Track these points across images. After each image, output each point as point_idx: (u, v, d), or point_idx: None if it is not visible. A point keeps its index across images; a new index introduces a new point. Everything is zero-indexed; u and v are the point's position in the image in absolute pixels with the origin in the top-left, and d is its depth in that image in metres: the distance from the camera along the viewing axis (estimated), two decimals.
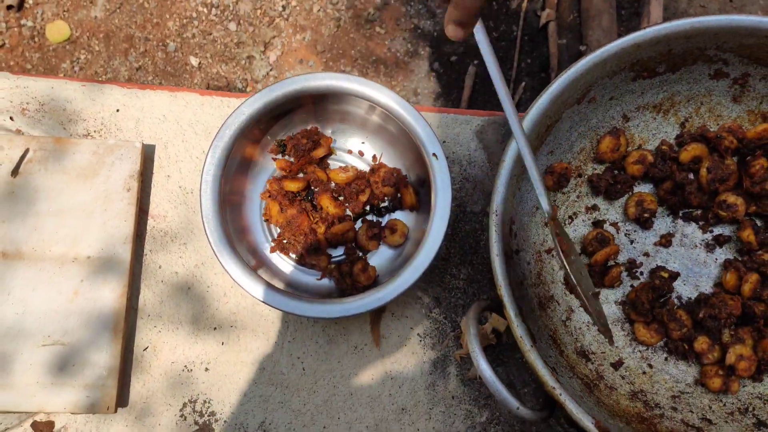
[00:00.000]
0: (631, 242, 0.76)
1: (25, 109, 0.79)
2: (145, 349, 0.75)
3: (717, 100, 0.76)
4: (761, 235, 0.72)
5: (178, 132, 0.81)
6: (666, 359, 0.71)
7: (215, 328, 0.76)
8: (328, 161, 0.79)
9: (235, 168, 0.74)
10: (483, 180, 0.81)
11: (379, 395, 0.75)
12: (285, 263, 0.76)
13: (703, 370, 0.70)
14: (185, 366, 0.75)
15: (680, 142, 0.76)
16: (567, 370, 0.67)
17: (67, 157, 0.75)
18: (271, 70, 1.38)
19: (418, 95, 1.37)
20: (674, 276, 0.73)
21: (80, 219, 0.74)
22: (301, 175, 0.77)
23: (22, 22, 1.40)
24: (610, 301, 0.75)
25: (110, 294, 0.73)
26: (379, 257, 0.76)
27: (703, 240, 0.75)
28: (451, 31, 0.48)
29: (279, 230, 0.76)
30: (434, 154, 0.69)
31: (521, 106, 1.45)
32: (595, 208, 0.77)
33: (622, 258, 0.76)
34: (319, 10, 1.42)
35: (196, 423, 0.74)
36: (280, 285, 0.71)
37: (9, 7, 1.41)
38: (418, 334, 0.77)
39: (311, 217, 0.75)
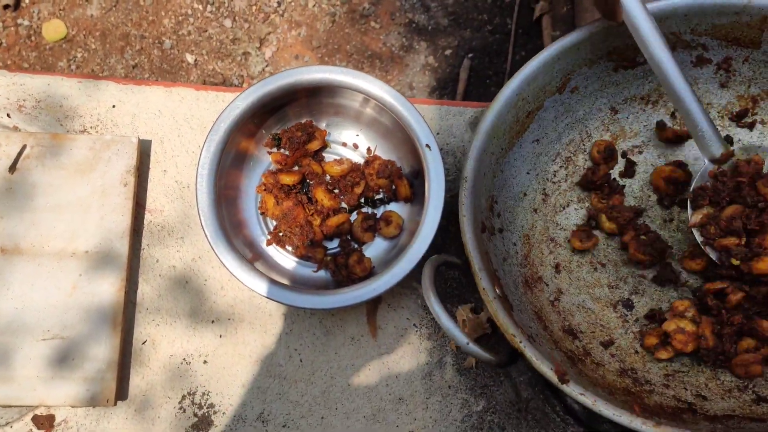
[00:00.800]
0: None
1: (22, 106, 0.80)
2: (143, 343, 0.76)
3: (705, 88, 0.76)
4: None
5: (174, 127, 0.81)
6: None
7: (213, 321, 0.77)
8: (323, 154, 0.79)
9: (230, 162, 0.74)
10: None
11: (376, 385, 0.76)
12: (281, 256, 0.77)
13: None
14: (184, 359, 0.76)
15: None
16: (549, 342, 0.68)
17: (63, 153, 0.76)
18: (266, 66, 1.38)
19: (414, 89, 1.38)
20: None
21: (78, 214, 0.75)
22: (296, 168, 0.78)
23: (19, 21, 1.41)
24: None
25: (108, 288, 0.74)
26: (375, 249, 0.77)
27: None
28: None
29: (275, 223, 0.77)
30: (427, 145, 0.70)
31: None
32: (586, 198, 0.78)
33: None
34: (314, 6, 1.43)
35: (195, 415, 0.75)
36: (276, 277, 0.72)
37: (5, 7, 1.42)
38: (414, 325, 0.78)
39: (307, 210, 0.75)
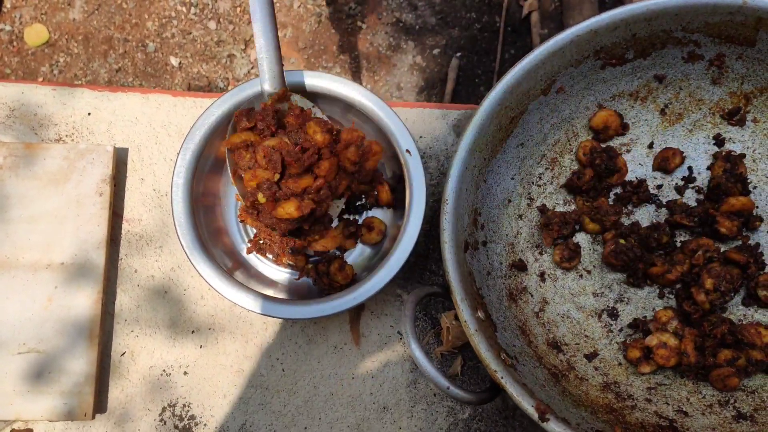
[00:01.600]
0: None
1: None
2: (122, 355, 0.75)
3: (696, 84, 0.74)
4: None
5: (152, 134, 0.80)
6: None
7: (193, 332, 0.76)
8: None
9: (208, 169, 0.73)
10: None
11: (360, 394, 0.75)
12: (263, 264, 0.76)
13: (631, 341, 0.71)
14: (163, 370, 0.75)
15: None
16: (533, 359, 0.67)
17: (37, 163, 0.74)
18: (252, 68, 1.37)
19: (402, 89, 1.36)
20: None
21: (53, 225, 0.73)
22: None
23: (0, 26, 1.39)
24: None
25: (85, 300, 0.72)
26: (357, 255, 0.76)
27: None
28: None
29: (254, 231, 0.75)
30: (408, 150, 0.68)
31: None
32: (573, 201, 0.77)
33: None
34: (299, 6, 1.41)
35: (176, 427, 0.74)
36: (257, 286, 0.70)
37: None
38: (398, 332, 0.76)
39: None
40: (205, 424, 0.74)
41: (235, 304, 0.66)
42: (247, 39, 1.39)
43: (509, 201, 0.74)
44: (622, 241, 0.72)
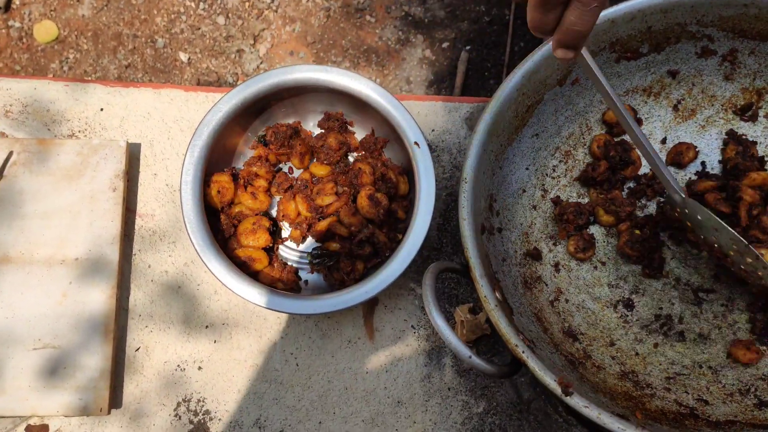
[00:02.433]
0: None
1: (9, 112, 0.79)
2: (137, 350, 0.75)
3: (709, 80, 0.74)
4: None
5: (164, 129, 0.80)
6: (663, 340, 0.70)
7: (207, 327, 0.76)
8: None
9: (217, 165, 0.73)
10: None
11: (374, 389, 0.75)
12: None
13: None
14: (178, 365, 0.75)
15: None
16: (549, 345, 0.66)
17: (51, 159, 0.75)
18: (261, 63, 1.37)
19: (411, 83, 1.36)
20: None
21: (66, 220, 0.73)
22: (279, 165, 0.77)
23: (10, 23, 1.39)
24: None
25: (99, 295, 0.72)
26: None
27: None
28: (562, 54, 0.48)
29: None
30: (416, 143, 0.68)
31: None
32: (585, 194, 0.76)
33: None
34: (308, 1, 1.40)
35: (190, 422, 0.74)
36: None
37: None
38: (411, 326, 0.76)
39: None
40: (219, 419, 0.74)
41: (247, 301, 0.66)
42: (255, 34, 1.39)
43: (524, 191, 0.74)
44: (636, 231, 0.72)
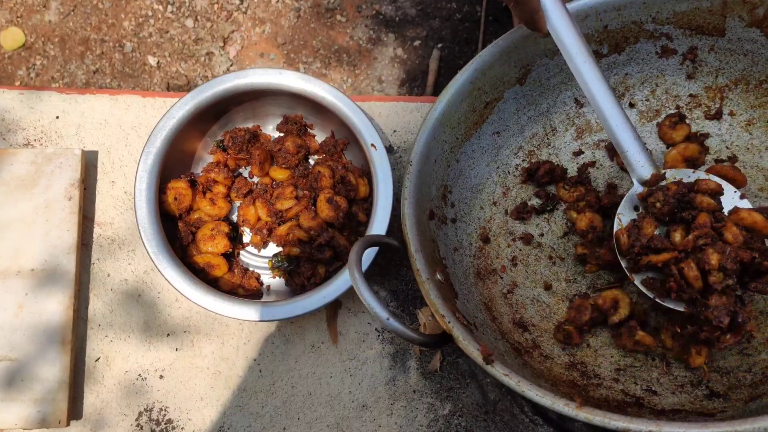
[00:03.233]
0: None
1: None
2: (96, 360, 0.74)
3: (671, 80, 0.74)
4: None
5: (121, 136, 0.79)
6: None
7: (168, 335, 0.75)
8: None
9: (174, 172, 0.72)
10: None
11: (338, 393, 0.74)
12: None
13: None
14: (139, 374, 0.74)
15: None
16: (495, 333, 0.66)
17: (4, 169, 0.73)
18: (231, 65, 1.35)
19: (383, 83, 1.35)
20: None
21: (21, 231, 0.72)
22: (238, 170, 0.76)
23: None
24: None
25: (56, 306, 0.71)
26: None
27: None
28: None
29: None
30: (372, 145, 0.68)
31: None
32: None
33: None
34: (277, 2, 1.39)
35: (152, 431, 0.73)
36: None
37: None
38: (376, 329, 0.76)
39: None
40: (182, 428, 0.73)
41: (206, 309, 0.65)
42: (225, 36, 1.38)
43: (483, 187, 0.74)
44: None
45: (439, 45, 1.40)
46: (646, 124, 0.76)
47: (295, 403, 0.74)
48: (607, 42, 0.70)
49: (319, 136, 0.77)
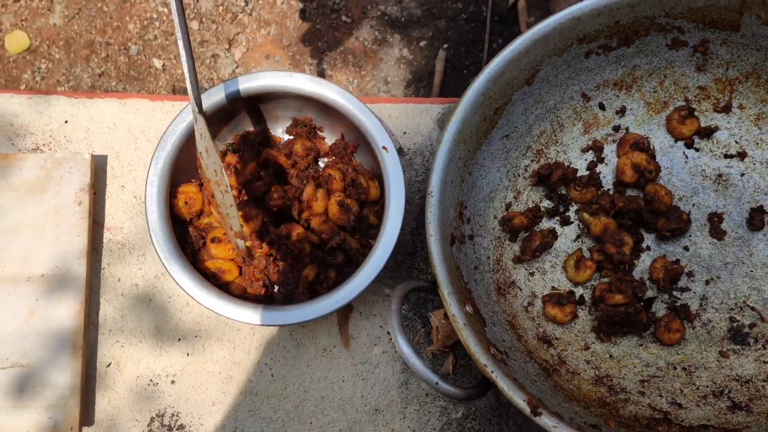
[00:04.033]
0: None
1: None
2: (108, 365, 0.74)
3: (681, 71, 0.73)
4: None
5: (130, 140, 0.78)
6: (637, 342, 0.69)
7: (179, 339, 0.74)
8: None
9: (185, 175, 0.72)
10: None
11: (351, 397, 0.74)
12: None
13: None
14: (151, 380, 0.74)
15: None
16: (523, 354, 0.65)
17: (14, 174, 0.73)
18: (237, 67, 1.35)
19: (389, 84, 1.35)
20: None
21: (31, 236, 0.72)
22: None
23: None
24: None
25: (67, 311, 0.71)
26: None
27: None
28: None
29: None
30: (384, 147, 0.67)
31: None
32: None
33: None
34: (282, 3, 1.39)
35: None
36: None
37: None
38: (387, 333, 0.75)
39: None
40: None
41: (218, 314, 0.65)
42: (230, 38, 1.38)
43: (495, 194, 0.73)
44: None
45: (445, 45, 1.40)
46: (653, 116, 0.75)
47: (308, 407, 0.73)
48: (617, 36, 0.69)
49: (329, 139, 0.76)
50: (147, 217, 0.65)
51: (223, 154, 0.74)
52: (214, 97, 0.68)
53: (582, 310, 0.71)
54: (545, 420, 0.56)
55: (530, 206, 0.74)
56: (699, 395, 0.65)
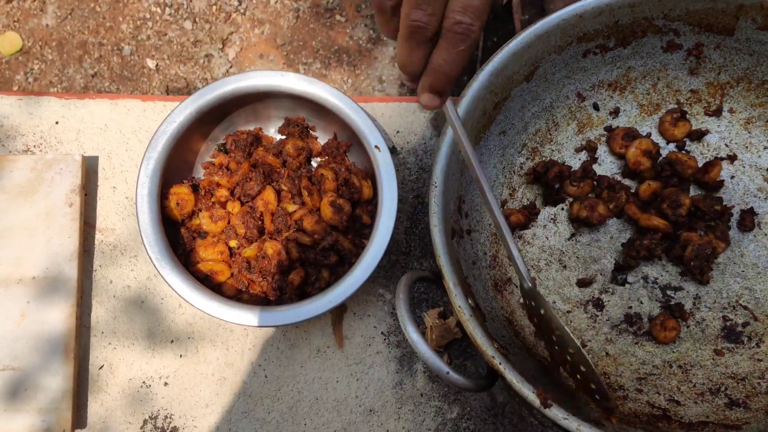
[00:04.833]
0: None
1: None
2: (100, 368, 0.73)
3: (674, 74, 0.73)
4: None
5: (122, 141, 0.78)
6: (633, 340, 0.69)
7: (172, 341, 0.74)
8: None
9: (176, 176, 0.71)
10: None
11: (345, 398, 0.73)
12: None
13: None
14: (143, 382, 0.73)
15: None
16: (521, 350, 0.65)
17: (4, 175, 0.73)
18: (230, 67, 1.34)
19: (384, 82, 1.34)
20: None
21: (22, 238, 0.72)
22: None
23: None
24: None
25: (59, 314, 0.70)
26: None
27: None
28: (427, 100, 0.45)
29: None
30: (376, 146, 0.67)
31: None
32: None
33: None
34: (276, 2, 1.38)
35: None
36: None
37: None
38: (381, 333, 0.75)
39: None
40: None
41: (210, 315, 0.65)
42: (224, 38, 1.37)
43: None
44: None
45: None
46: (646, 118, 0.75)
47: (302, 408, 0.73)
48: (615, 36, 0.69)
49: (322, 138, 0.76)
50: (138, 219, 0.65)
51: (219, 151, 0.74)
52: (206, 97, 0.68)
53: (579, 308, 0.71)
54: (555, 412, 0.55)
55: (525, 204, 0.74)
56: (696, 392, 0.65)
